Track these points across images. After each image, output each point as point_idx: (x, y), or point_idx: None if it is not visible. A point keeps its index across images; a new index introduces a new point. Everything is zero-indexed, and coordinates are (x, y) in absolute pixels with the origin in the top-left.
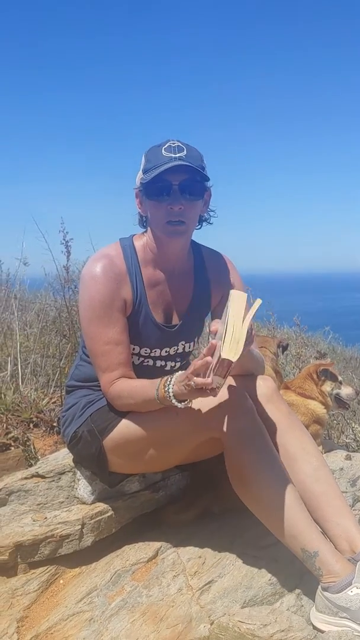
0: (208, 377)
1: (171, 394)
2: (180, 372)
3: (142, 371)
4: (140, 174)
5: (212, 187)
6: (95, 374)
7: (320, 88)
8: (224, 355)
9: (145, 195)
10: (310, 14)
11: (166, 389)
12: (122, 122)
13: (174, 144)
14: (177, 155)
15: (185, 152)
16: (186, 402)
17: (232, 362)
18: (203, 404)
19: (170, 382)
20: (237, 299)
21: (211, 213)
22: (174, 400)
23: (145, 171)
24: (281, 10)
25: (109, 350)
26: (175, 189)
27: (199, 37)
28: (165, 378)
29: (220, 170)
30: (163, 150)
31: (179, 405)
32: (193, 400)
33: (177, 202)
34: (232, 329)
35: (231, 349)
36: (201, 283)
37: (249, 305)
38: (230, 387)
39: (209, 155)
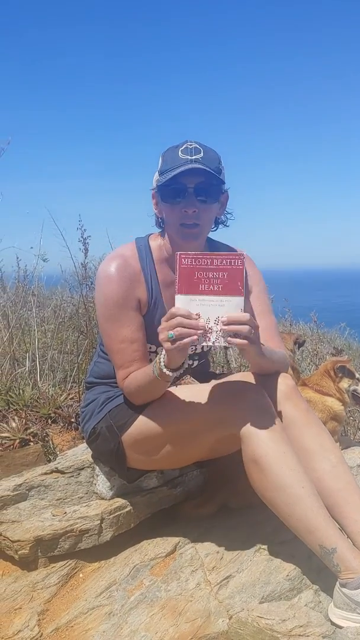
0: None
1: (162, 363)
2: None
3: None
4: (156, 175)
5: (229, 189)
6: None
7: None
8: None
9: (161, 197)
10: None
11: (159, 359)
12: (143, 117)
13: (191, 145)
14: (194, 157)
15: (202, 154)
16: (178, 370)
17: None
18: (220, 399)
19: (162, 354)
20: None
21: (228, 215)
22: (164, 369)
23: (161, 173)
24: None
25: (124, 348)
26: (190, 192)
27: (199, 27)
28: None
29: (243, 159)
30: (180, 152)
31: (169, 373)
32: (210, 396)
33: (192, 205)
34: None
35: None
36: None
37: None
38: (247, 384)
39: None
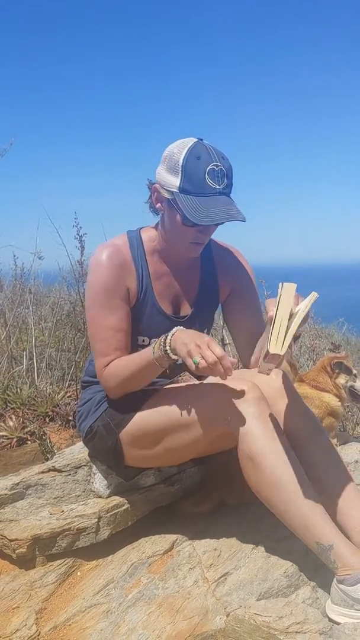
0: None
1: (168, 347)
2: (182, 329)
3: None
4: (171, 179)
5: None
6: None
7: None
8: (271, 350)
9: (180, 219)
10: None
11: (164, 340)
12: (136, 114)
13: (217, 166)
14: (221, 187)
15: (226, 180)
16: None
17: (280, 355)
18: (216, 396)
19: (168, 336)
20: (286, 291)
21: None
22: (170, 353)
23: (185, 191)
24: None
25: (109, 336)
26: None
27: (202, 24)
28: (160, 338)
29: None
30: (207, 177)
31: (174, 357)
32: (207, 392)
33: (209, 232)
34: (279, 323)
35: (278, 343)
36: (208, 276)
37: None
38: (243, 381)
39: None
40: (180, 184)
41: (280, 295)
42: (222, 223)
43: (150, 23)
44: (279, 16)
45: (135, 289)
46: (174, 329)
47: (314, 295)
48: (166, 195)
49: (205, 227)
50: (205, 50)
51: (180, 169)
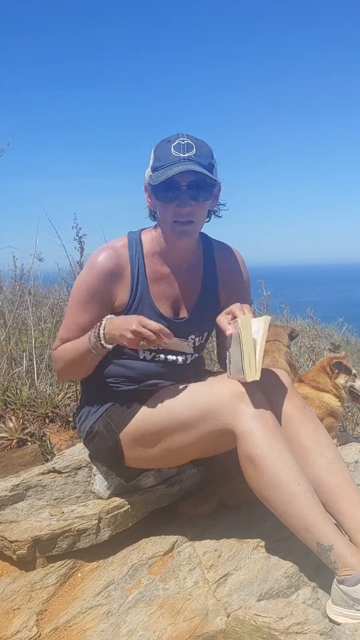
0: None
1: (101, 332)
2: (112, 318)
3: (154, 367)
4: (149, 171)
5: (221, 182)
6: (110, 371)
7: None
8: (249, 379)
9: (154, 194)
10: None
11: (97, 331)
12: (136, 114)
13: (183, 141)
14: (187, 155)
15: (194, 150)
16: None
17: (258, 379)
18: (216, 397)
19: (101, 325)
20: (244, 326)
21: (221, 206)
22: (104, 342)
23: (154, 169)
24: None
25: (73, 330)
26: (184, 190)
27: (200, 24)
28: (96, 326)
29: (237, 157)
30: (172, 149)
31: (108, 346)
32: (207, 393)
33: (186, 203)
34: (249, 356)
35: (252, 371)
36: (209, 277)
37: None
38: (240, 381)
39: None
40: (151, 165)
41: (240, 331)
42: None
43: (153, 22)
44: (280, 14)
45: (127, 294)
46: (104, 319)
47: (266, 320)
48: (146, 183)
49: (181, 200)
50: (207, 50)
51: (152, 154)
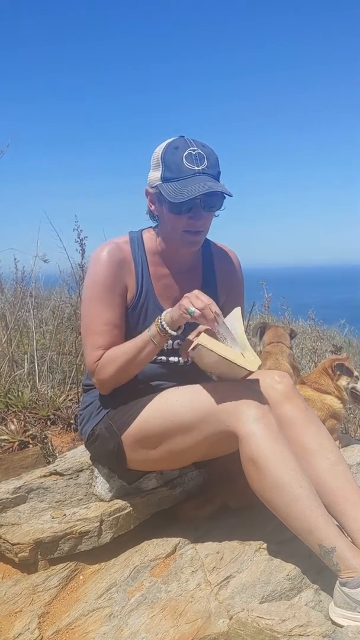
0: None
1: (164, 323)
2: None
3: (156, 368)
4: (157, 178)
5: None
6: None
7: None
8: (254, 369)
9: (166, 206)
10: (309, 5)
11: (159, 318)
12: (137, 117)
13: (194, 150)
14: (200, 168)
15: (206, 162)
16: (180, 329)
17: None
18: (218, 398)
19: (162, 314)
20: (207, 341)
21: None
22: (167, 328)
23: (166, 180)
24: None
25: (106, 330)
26: (197, 203)
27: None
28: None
29: (237, 160)
30: (184, 160)
31: (173, 332)
32: (209, 395)
33: (200, 216)
34: (233, 355)
35: (250, 362)
36: (209, 278)
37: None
38: (245, 383)
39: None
40: (161, 174)
41: (237, 322)
42: (208, 201)
43: (158, 26)
44: (282, 24)
45: (134, 288)
46: (161, 316)
47: (237, 310)
48: (153, 191)
49: (195, 213)
50: (209, 57)
51: (160, 162)
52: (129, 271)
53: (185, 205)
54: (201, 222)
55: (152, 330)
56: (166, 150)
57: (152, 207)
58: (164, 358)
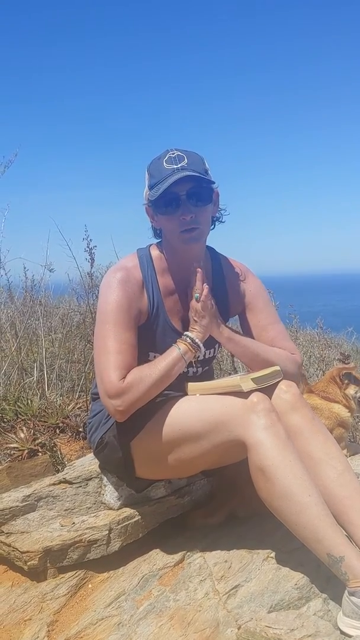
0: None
1: (195, 339)
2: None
3: None
4: (146, 190)
5: (218, 187)
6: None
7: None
8: (246, 389)
9: (156, 210)
10: (312, 2)
11: (187, 339)
12: (148, 125)
13: (173, 154)
14: (179, 165)
15: (185, 160)
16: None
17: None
18: (226, 407)
19: (187, 334)
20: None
21: (222, 212)
22: (197, 340)
23: (151, 187)
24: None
25: (125, 349)
26: (184, 199)
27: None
28: (182, 337)
29: (239, 168)
30: (164, 163)
31: (202, 346)
32: (217, 404)
33: (188, 211)
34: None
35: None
36: (219, 292)
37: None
38: (253, 392)
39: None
40: (147, 183)
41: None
42: (173, 183)
43: (154, 34)
44: (277, 25)
45: (146, 308)
46: (188, 334)
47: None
48: (147, 205)
49: (184, 210)
50: (211, 57)
51: (147, 174)
52: (141, 295)
53: (171, 204)
54: (190, 216)
55: (182, 348)
56: (151, 162)
57: (153, 222)
58: None
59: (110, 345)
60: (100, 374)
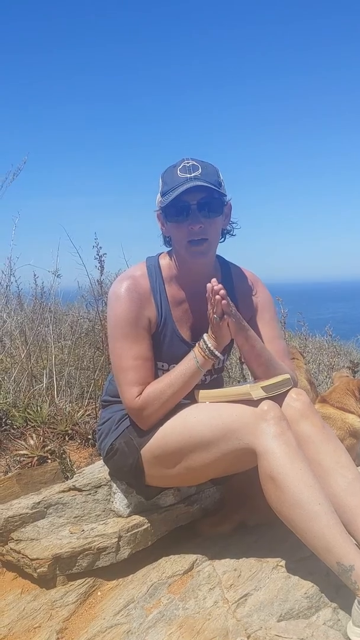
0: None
1: (211, 347)
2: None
3: None
4: (159, 197)
5: (231, 199)
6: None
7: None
8: (255, 397)
9: (166, 217)
10: (311, 12)
11: (203, 347)
12: (160, 132)
13: (188, 163)
14: (192, 175)
15: (200, 170)
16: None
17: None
18: (237, 415)
19: (204, 342)
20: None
21: (233, 225)
22: (216, 352)
23: (163, 194)
24: (281, 10)
25: (139, 365)
26: (194, 209)
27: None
28: (197, 346)
29: (249, 175)
30: (178, 171)
31: (220, 356)
32: (228, 412)
33: (197, 221)
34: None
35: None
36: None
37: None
38: (263, 400)
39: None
40: (160, 190)
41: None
42: (185, 191)
43: (163, 41)
44: (283, 34)
45: (155, 317)
46: (204, 341)
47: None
48: (158, 212)
49: (193, 220)
50: (212, 66)
51: (160, 181)
52: (149, 304)
53: (181, 213)
54: (199, 226)
55: (199, 359)
56: (166, 169)
57: (163, 229)
58: None
59: (125, 363)
60: (121, 390)
